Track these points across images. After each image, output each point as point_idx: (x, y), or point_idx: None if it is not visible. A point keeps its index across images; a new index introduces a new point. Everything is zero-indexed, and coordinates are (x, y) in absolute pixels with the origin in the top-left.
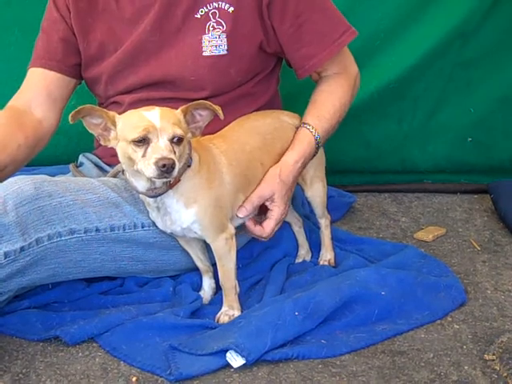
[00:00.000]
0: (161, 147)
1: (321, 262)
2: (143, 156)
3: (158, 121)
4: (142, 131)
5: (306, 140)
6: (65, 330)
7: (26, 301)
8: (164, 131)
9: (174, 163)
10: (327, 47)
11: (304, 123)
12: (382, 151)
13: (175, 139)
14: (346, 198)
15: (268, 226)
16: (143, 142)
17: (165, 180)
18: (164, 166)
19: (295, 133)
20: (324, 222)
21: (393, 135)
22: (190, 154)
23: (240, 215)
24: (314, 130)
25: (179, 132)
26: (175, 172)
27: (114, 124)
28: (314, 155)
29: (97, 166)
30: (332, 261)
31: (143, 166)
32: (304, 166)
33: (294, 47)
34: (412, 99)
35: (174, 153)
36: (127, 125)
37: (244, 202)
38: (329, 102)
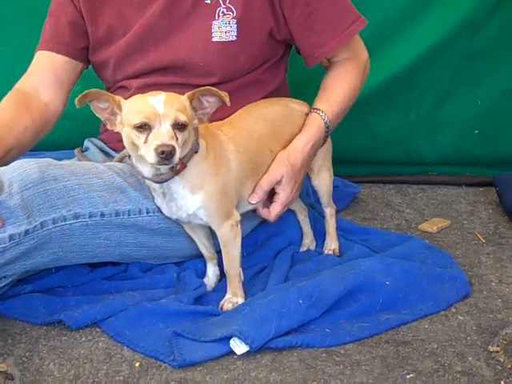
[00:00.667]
0: (162, 133)
1: (325, 252)
2: (145, 142)
3: (162, 106)
4: (143, 117)
5: (315, 123)
6: (68, 314)
7: (29, 285)
8: (167, 117)
9: (173, 149)
10: (337, 36)
11: (314, 108)
12: (389, 142)
13: (178, 125)
14: (350, 188)
15: (274, 210)
16: (145, 127)
17: (166, 166)
18: (163, 152)
19: (305, 119)
20: (329, 212)
21: (399, 126)
22: (197, 140)
23: (252, 201)
24: (323, 114)
25: (182, 118)
26: (176, 158)
27: (120, 108)
28: (325, 139)
29: (102, 151)
30: (337, 250)
31: (145, 152)
32: (315, 150)
33: (303, 35)
34: (419, 90)
35: (177, 139)
36: (131, 110)
37: (254, 188)
38: (339, 87)
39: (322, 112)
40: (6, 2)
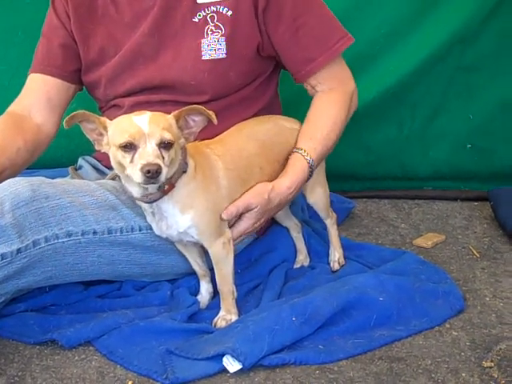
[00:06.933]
0: (148, 152)
1: (331, 264)
2: (131, 161)
3: (147, 125)
4: (127, 137)
5: (298, 165)
6: (61, 333)
7: (22, 303)
8: (152, 136)
9: (159, 168)
10: (324, 52)
11: (297, 148)
12: (382, 157)
13: (164, 144)
14: (345, 203)
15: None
16: (130, 147)
17: (152, 186)
18: (149, 171)
19: (289, 158)
20: (330, 222)
21: (393, 141)
22: (186, 160)
23: (224, 217)
24: (306, 154)
25: (168, 137)
26: (162, 177)
27: (106, 129)
28: (309, 178)
29: (96, 168)
30: (341, 259)
31: (131, 172)
32: (296, 192)
33: (290, 52)
34: (412, 105)
35: (163, 158)
36: (116, 130)
37: (230, 205)
38: (322, 123)
39: (305, 152)
40: (2, 20)
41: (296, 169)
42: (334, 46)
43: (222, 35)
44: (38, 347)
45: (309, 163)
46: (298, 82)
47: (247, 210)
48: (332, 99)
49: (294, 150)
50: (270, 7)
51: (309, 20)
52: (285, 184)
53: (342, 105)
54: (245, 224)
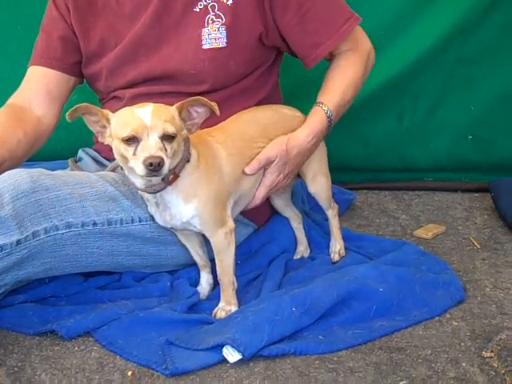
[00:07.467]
0: (150, 145)
1: (331, 256)
2: (134, 154)
3: (149, 118)
4: (130, 130)
5: (317, 116)
6: (61, 323)
7: (22, 295)
8: (154, 128)
9: (161, 161)
10: (332, 35)
11: (316, 103)
12: (382, 148)
13: (167, 136)
14: (345, 195)
15: (259, 192)
16: (133, 140)
17: (154, 178)
18: (151, 164)
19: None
20: (331, 213)
21: (393, 132)
22: (189, 150)
23: (247, 171)
24: (323, 105)
25: (170, 129)
26: (165, 169)
27: (109, 122)
28: (328, 131)
29: (96, 160)
30: (342, 251)
31: (134, 164)
32: (315, 145)
33: (298, 37)
34: (412, 96)
35: (165, 150)
36: (119, 123)
37: (252, 160)
38: (339, 78)
39: (322, 104)
40: (2, 14)
41: (314, 119)
42: (341, 28)
43: (222, 24)
44: (37, 338)
45: (326, 113)
46: (308, 67)
47: (268, 162)
48: (350, 58)
49: (315, 104)
50: None
51: (315, 3)
52: (302, 134)
53: (359, 63)
54: (269, 178)
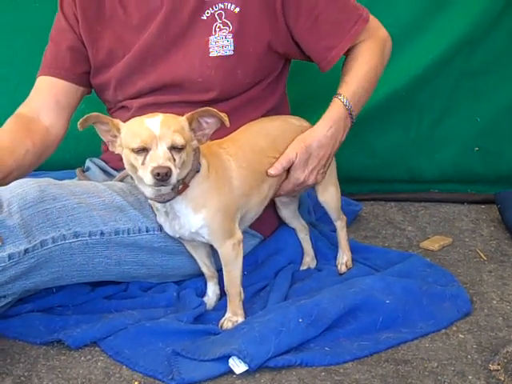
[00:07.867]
0: (158, 155)
1: (338, 267)
2: (143, 164)
3: (158, 128)
4: (140, 142)
5: (334, 106)
6: (68, 333)
7: (29, 304)
8: (163, 138)
9: (169, 171)
10: (343, 37)
11: (334, 96)
12: (389, 160)
13: (175, 146)
14: (352, 206)
15: (285, 186)
16: (142, 150)
17: (163, 187)
18: (159, 174)
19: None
20: (339, 224)
21: (399, 144)
22: (199, 160)
23: (272, 172)
24: (340, 96)
25: (179, 139)
26: (173, 179)
27: (119, 131)
28: (349, 119)
29: (103, 170)
30: (349, 262)
31: (142, 174)
32: (336, 133)
33: (312, 40)
34: (418, 108)
35: (174, 160)
36: (129, 133)
37: (274, 162)
38: (356, 67)
39: (339, 95)
40: (10, 24)
41: (330, 110)
42: (352, 29)
43: (229, 32)
44: (44, 347)
45: (343, 102)
46: (324, 71)
47: (290, 163)
48: (366, 47)
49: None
50: (287, 0)
51: (326, 6)
52: (318, 127)
53: (376, 50)
54: (294, 176)
